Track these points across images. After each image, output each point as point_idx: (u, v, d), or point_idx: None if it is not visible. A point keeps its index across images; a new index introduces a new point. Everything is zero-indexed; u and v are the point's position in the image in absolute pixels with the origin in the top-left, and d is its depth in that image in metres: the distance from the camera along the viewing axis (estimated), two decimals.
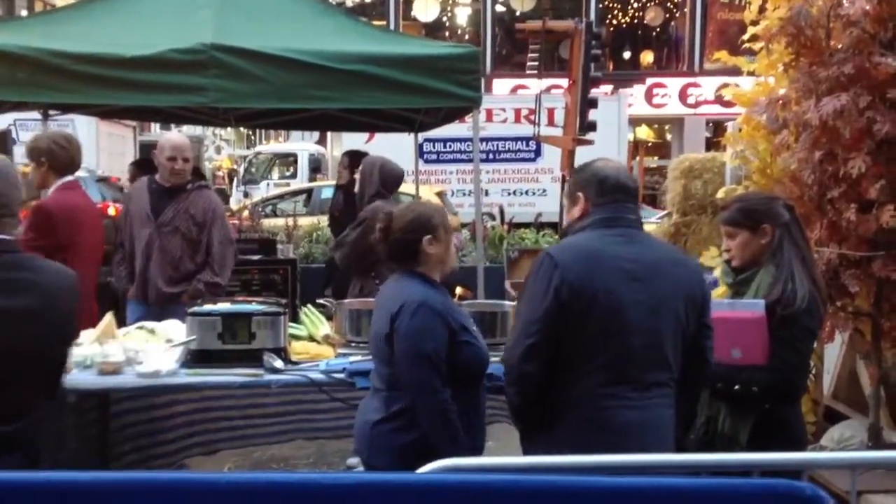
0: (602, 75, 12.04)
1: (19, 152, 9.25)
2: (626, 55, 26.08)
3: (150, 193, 5.31)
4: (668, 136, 25.97)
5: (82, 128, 14.06)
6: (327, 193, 16.09)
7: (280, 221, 11.15)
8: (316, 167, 19.43)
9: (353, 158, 6.56)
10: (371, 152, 16.32)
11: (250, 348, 3.80)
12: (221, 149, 27.58)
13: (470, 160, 16.45)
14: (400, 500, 1.90)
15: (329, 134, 19.73)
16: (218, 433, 4.49)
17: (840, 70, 4.19)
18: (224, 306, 3.93)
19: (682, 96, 24.45)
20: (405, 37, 9.26)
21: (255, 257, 6.91)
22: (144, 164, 7.42)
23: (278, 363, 3.76)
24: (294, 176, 18.98)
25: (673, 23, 25.53)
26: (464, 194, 15.89)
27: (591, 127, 11.19)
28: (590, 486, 2.00)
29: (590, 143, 11.54)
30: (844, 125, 4.18)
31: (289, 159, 19.86)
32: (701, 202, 7.27)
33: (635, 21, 25.75)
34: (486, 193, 16.23)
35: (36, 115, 7.35)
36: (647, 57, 26.24)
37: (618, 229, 2.80)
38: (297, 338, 4.16)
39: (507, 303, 4.23)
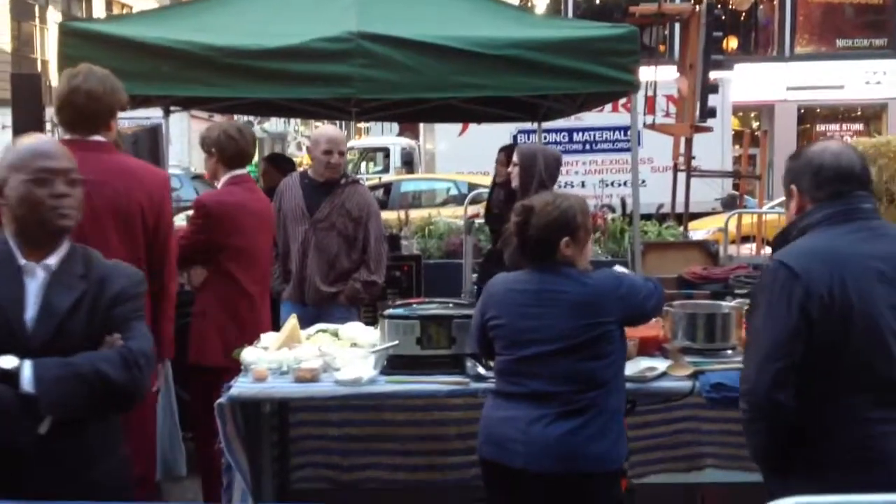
0: (724, 59, 11.60)
1: (173, 152, 9.16)
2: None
3: (304, 189, 5.10)
4: (755, 124, 25.21)
5: (175, 124, 14.08)
6: (407, 187, 15.96)
7: None
8: (408, 160, 19.23)
9: (509, 153, 6.24)
10: (466, 145, 16.21)
11: (450, 354, 3.51)
12: (303, 145, 27.64)
13: (586, 150, 16.19)
14: None
15: (421, 127, 19.47)
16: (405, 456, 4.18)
17: None
18: (419, 309, 3.64)
19: (773, 83, 23.72)
20: (554, 19, 8.87)
21: None
22: (277, 158, 7.24)
23: (481, 370, 3.47)
24: (386, 170, 18.82)
25: (761, 6, 24.73)
26: (561, 186, 15.53)
27: (712, 113, 10.77)
28: None
29: (709, 129, 11.13)
30: None
31: (380, 153, 19.71)
32: (875, 190, 6.80)
33: (719, 5, 25.05)
34: (583, 185, 15.86)
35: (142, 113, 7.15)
36: (732, 43, 25.49)
37: (854, 223, 2.43)
38: None
39: (724, 304, 3.87)
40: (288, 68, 5.20)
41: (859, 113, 24.85)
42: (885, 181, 6.72)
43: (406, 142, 20.37)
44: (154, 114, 7.40)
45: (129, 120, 7.08)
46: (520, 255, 3.11)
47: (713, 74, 11.07)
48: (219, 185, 4.42)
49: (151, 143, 5.95)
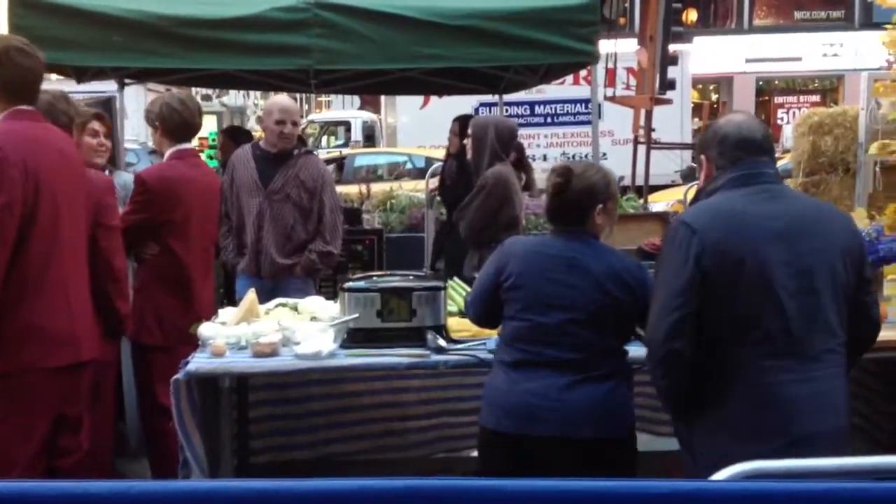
0: (683, 31, 11.63)
1: (129, 126, 8.92)
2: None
3: (256, 160, 5.02)
4: (714, 97, 25.37)
5: (131, 98, 13.80)
6: (361, 161, 15.83)
7: None
8: (370, 134, 19.08)
9: (464, 124, 6.21)
10: (428, 119, 16.10)
11: (411, 326, 3.49)
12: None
13: (548, 123, 16.13)
14: None
15: (383, 100, 19.34)
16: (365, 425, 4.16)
17: None
18: (379, 281, 3.61)
19: (731, 55, 23.86)
20: None
21: None
22: (235, 131, 7.14)
23: (442, 342, 3.45)
24: (346, 144, 18.66)
25: None
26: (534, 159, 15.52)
27: (671, 85, 10.82)
28: None
29: (669, 102, 11.20)
30: None
31: (341, 127, 19.54)
32: (831, 160, 6.86)
33: None
34: (545, 158, 15.86)
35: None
36: (692, 15, 25.55)
37: (754, 186, 2.55)
38: (450, 314, 3.84)
39: None
40: (243, 39, 5.11)
41: (816, 84, 25.13)
42: (841, 151, 6.78)
43: (367, 115, 20.23)
44: (109, 87, 7.24)
45: (82, 94, 6.88)
46: (550, 218, 3.08)
47: (673, 47, 11.12)
48: (165, 157, 4.33)
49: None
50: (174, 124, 4.30)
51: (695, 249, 2.46)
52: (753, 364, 2.46)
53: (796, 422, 2.43)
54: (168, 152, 4.33)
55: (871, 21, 22.45)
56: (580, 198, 2.96)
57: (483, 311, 3.15)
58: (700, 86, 24.22)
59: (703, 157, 2.69)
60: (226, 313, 3.77)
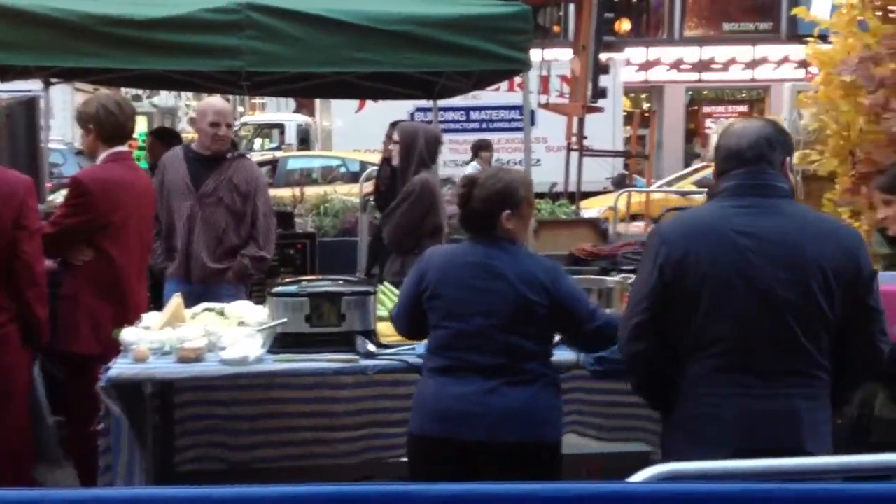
0: (615, 41, 11.80)
1: (55, 126, 8.69)
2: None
3: (188, 163, 4.95)
4: (645, 105, 25.82)
5: (57, 98, 13.50)
6: (294, 164, 15.69)
7: None
8: (304, 137, 18.92)
9: None
10: (363, 122, 16.05)
11: (340, 331, 3.47)
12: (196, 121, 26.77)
13: (476, 129, 16.19)
14: None
15: (317, 103, 19.19)
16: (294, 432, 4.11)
17: None
18: (308, 286, 3.59)
19: (662, 65, 24.32)
20: None
21: None
22: (164, 133, 7.02)
23: (371, 347, 3.45)
24: (279, 147, 18.47)
25: None
26: (458, 164, 15.56)
27: (603, 94, 10.96)
28: (839, 493, 1.74)
29: (600, 110, 11.34)
30: None
31: (276, 130, 19.34)
32: None
33: None
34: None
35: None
36: (624, 25, 25.98)
37: (747, 199, 2.52)
38: (380, 318, 3.83)
39: (608, 279, 3.94)
40: (172, 39, 5.02)
41: (744, 95, 25.74)
42: None
43: (302, 118, 20.06)
44: (34, 86, 7.07)
45: (5, 92, 6.71)
46: (462, 227, 3.12)
47: (605, 56, 11.27)
48: (98, 161, 4.23)
49: (27, 118, 5.65)
50: (111, 128, 4.20)
51: (660, 259, 2.52)
52: (707, 375, 2.50)
53: (741, 437, 2.44)
54: (103, 155, 4.21)
55: (796, 33, 23.12)
56: (482, 206, 3.00)
57: (409, 323, 3.18)
58: (632, 94, 24.63)
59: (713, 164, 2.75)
60: (150, 318, 3.70)
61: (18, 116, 5.58)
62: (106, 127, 4.17)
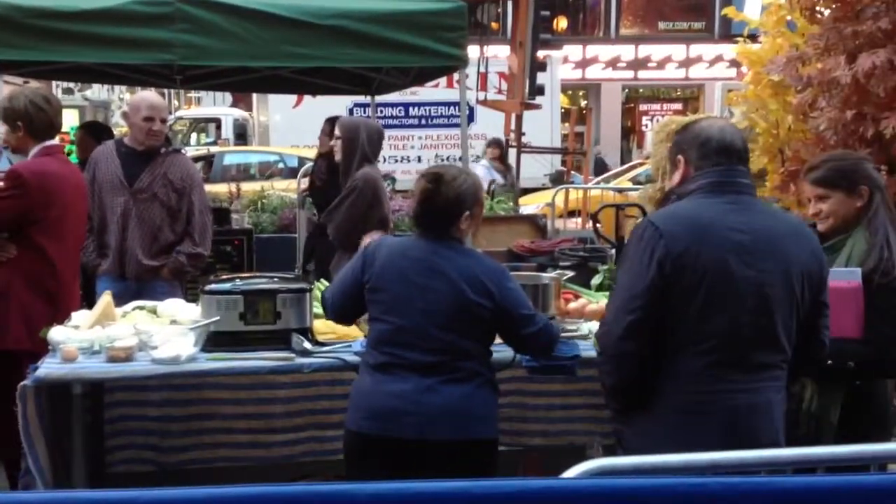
0: (551, 38, 11.89)
1: None
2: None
3: (121, 158, 4.85)
4: (583, 103, 26.09)
5: None
6: (230, 160, 15.51)
7: None
8: (241, 132, 18.68)
9: (335, 124, 6.17)
10: (301, 118, 15.89)
11: (275, 329, 3.43)
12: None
13: (415, 125, 16.18)
14: None
15: (254, 98, 18.96)
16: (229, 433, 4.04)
17: (876, 25, 4.05)
18: (242, 283, 3.54)
19: (599, 63, 24.60)
20: None
21: None
22: (95, 127, 6.87)
23: (307, 345, 3.42)
24: (216, 142, 18.21)
25: None
26: (398, 161, 15.54)
27: (541, 91, 11.04)
28: (764, 486, 1.78)
29: (538, 107, 11.41)
30: (878, 83, 4.05)
31: (212, 125, 19.06)
32: None
33: None
34: (419, 160, 15.93)
35: None
36: (562, 23, 26.20)
37: (728, 196, 2.54)
38: (316, 316, 3.80)
39: (544, 275, 3.96)
40: (101, 32, 4.92)
41: (678, 93, 26.17)
42: None
43: (239, 113, 19.81)
44: None
45: None
46: (415, 222, 3.05)
47: (542, 53, 11.35)
48: (30, 155, 4.10)
49: None
50: (42, 124, 4.11)
51: (659, 253, 2.46)
52: (696, 372, 2.48)
53: (728, 432, 2.45)
54: (35, 149, 4.10)
55: (729, 33, 23.57)
56: (448, 205, 2.95)
57: (341, 306, 3.13)
58: (570, 92, 24.86)
59: (680, 157, 2.65)
60: (79, 316, 3.62)
61: None
62: (36, 123, 4.08)
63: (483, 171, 12.56)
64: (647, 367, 2.53)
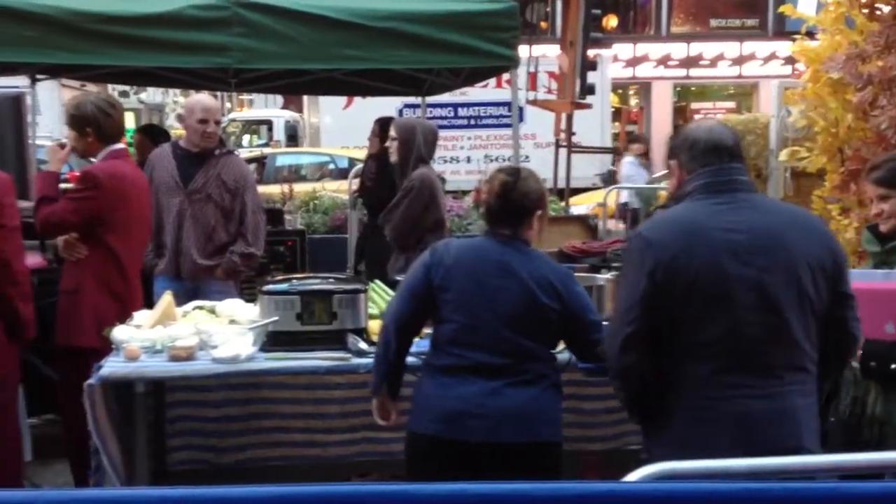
0: (602, 37, 11.83)
1: (43, 123, 8.64)
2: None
3: (177, 159, 4.95)
4: (633, 102, 25.87)
5: (44, 94, 13.40)
6: (282, 161, 15.66)
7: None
8: (292, 134, 18.86)
9: (384, 125, 6.21)
10: (351, 119, 16.01)
11: (331, 329, 3.47)
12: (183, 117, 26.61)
13: (465, 126, 16.19)
14: None
15: (305, 100, 19.12)
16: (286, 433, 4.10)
17: None
18: (299, 284, 3.58)
19: (650, 61, 24.37)
20: None
21: None
22: (152, 129, 6.99)
23: (363, 345, 3.44)
24: (268, 143, 18.41)
25: None
26: (447, 161, 15.54)
27: (591, 90, 10.98)
28: (831, 492, 1.75)
29: (588, 106, 11.36)
30: None
31: (264, 126, 19.27)
32: None
33: None
34: (469, 160, 15.94)
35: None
36: (612, 21, 26.01)
37: (723, 195, 2.50)
38: (371, 317, 3.83)
39: (599, 276, 3.94)
40: (160, 36, 5.00)
41: (731, 91, 25.81)
42: (753, 157, 6.98)
43: (290, 115, 19.98)
44: (20, 82, 7.02)
45: None
46: (491, 217, 3.03)
47: (593, 52, 11.29)
48: (98, 159, 4.18)
49: (14, 114, 5.61)
50: (110, 128, 4.21)
51: (649, 264, 2.43)
52: (707, 379, 2.44)
53: (740, 438, 2.40)
54: (104, 153, 4.20)
55: (783, 30, 23.18)
56: (524, 200, 2.96)
57: (409, 312, 3.02)
58: (620, 91, 24.66)
59: (672, 162, 2.64)
60: (141, 316, 3.69)
61: (5, 113, 5.55)
62: (105, 128, 4.17)
63: (629, 168, 12.53)
64: (651, 379, 2.49)
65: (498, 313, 2.88)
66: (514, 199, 2.96)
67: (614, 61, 20.57)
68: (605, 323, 3.05)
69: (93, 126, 4.14)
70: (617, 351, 2.50)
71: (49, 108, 16.51)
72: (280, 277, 3.80)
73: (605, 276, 3.86)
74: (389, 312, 3.11)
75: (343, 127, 15.72)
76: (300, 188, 10.73)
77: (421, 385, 3.02)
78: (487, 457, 2.84)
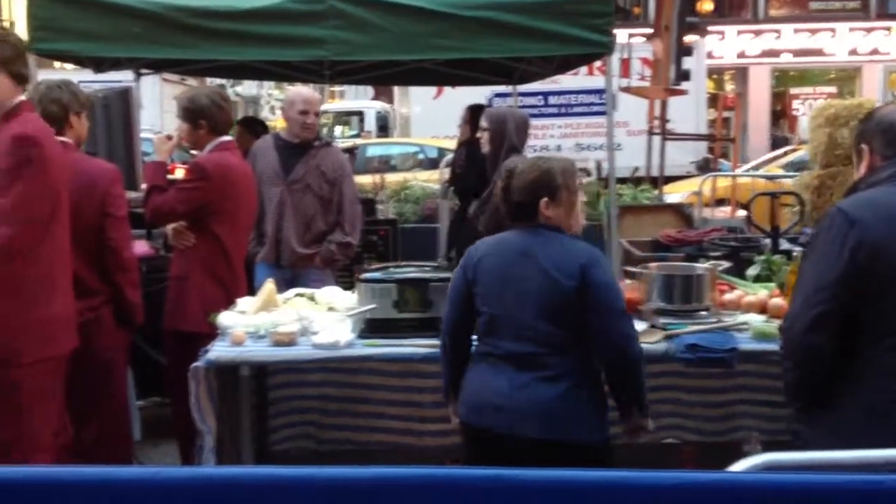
0: (699, 21, 11.58)
1: (146, 116, 8.97)
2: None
3: (278, 151, 5.08)
4: (729, 87, 25.26)
5: (146, 88, 13.83)
6: (373, 152, 15.81)
7: None
8: (383, 124, 19.08)
9: (475, 113, 6.23)
10: (441, 109, 16.09)
11: (426, 317, 3.51)
12: (276, 108, 27.38)
13: (562, 114, 16.09)
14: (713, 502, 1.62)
15: (395, 90, 19.31)
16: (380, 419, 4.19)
17: None
18: (395, 272, 3.65)
19: (747, 45, 23.76)
20: None
21: None
22: (251, 122, 7.17)
23: None
24: (359, 134, 18.68)
25: None
26: (537, 150, 15.47)
27: (686, 76, 10.78)
28: None
29: (684, 93, 11.14)
30: None
31: (355, 117, 19.55)
32: (848, 152, 6.77)
33: None
34: (559, 149, 15.81)
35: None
36: (707, 5, 25.40)
37: None
38: None
39: (698, 266, 3.88)
40: (259, 30, 5.14)
41: (833, 76, 24.96)
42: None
43: (381, 105, 20.20)
44: (125, 77, 7.29)
45: (100, 83, 6.93)
46: (506, 217, 3.10)
47: (687, 37, 11.08)
48: (206, 150, 4.31)
49: (123, 108, 5.83)
50: (222, 122, 4.35)
51: (851, 242, 2.35)
52: (885, 369, 2.37)
53: None
54: (212, 144, 4.32)
55: (886, 12, 22.31)
56: (521, 196, 3.00)
57: (455, 316, 3.06)
58: (715, 76, 24.11)
59: (864, 146, 2.55)
60: (245, 302, 3.81)
61: (115, 106, 5.76)
62: (217, 121, 4.30)
63: None
64: (832, 363, 2.41)
65: (519, 300, 2.89)
66: (511, 199, 3.03)
67: (710, 46, 20.09)
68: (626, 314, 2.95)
69: (206, 118, 4.27)
70: (803, 330, 2.41)
71: (151, 102, 17.07)
72: (376, 266, 3.87)
73: (703, 266, 3.80)
74: (443, 318, 3.16)
75: (433, 117, 15.79)
76: (391, 178, 10.85)
77: (467, 373, 3.06)
78: (513, 450, 2.81)
